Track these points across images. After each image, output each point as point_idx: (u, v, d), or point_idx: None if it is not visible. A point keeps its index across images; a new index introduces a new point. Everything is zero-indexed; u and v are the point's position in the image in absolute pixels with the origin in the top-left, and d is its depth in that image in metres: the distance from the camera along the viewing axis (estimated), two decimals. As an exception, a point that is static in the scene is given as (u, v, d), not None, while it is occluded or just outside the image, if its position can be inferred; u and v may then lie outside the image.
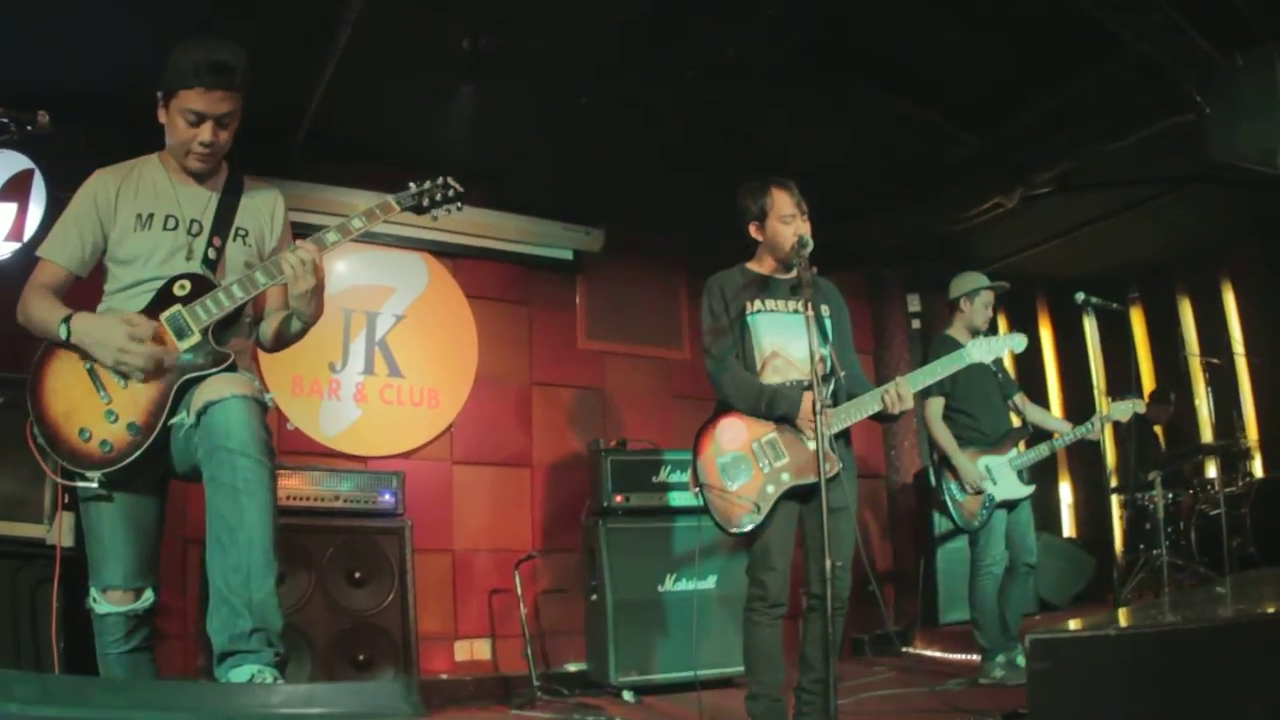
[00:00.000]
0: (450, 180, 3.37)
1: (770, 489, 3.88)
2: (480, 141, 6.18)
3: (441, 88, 5.61)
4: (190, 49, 2.92)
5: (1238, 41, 5.13)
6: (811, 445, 3.82)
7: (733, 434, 3.98)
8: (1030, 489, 5.64)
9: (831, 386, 3.99)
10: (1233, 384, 8.32)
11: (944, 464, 5.66)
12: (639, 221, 7.49)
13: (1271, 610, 2.49)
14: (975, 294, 5.78)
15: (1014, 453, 5.65)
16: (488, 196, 6.73)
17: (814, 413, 3.56)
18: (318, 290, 3.06)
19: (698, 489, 4.00)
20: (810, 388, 3.71)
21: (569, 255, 7.44)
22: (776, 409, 3.90)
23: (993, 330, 5.87)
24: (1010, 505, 5.61)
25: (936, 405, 5.68)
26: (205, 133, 3.01)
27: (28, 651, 4.02)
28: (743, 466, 3.92)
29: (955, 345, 5.57)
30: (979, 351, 4.34)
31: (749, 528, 3.88)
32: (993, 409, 5.76)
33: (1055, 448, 5.78)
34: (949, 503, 5.60)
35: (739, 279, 4.17)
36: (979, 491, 5.51)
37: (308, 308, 3.08)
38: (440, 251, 6.97)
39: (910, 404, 3.95)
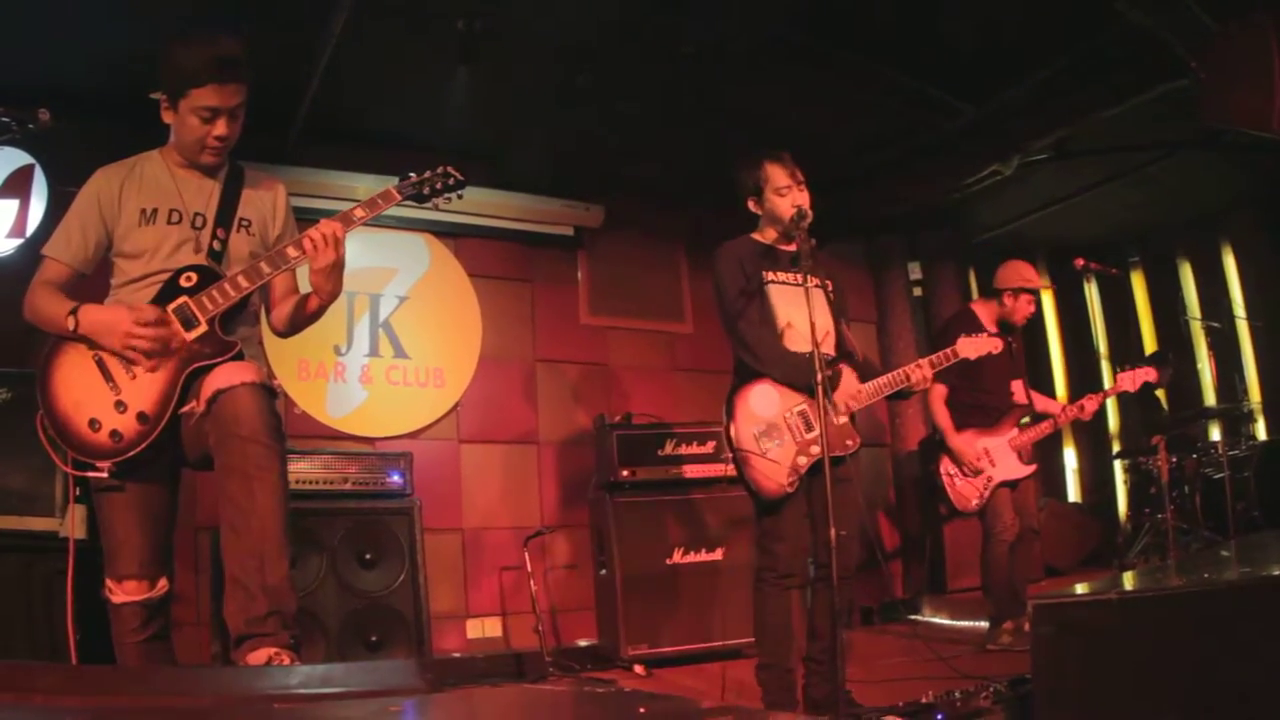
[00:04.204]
0: (450, 169, 3.37)
1: (803, 460, 3.91)
2: (478, 121, 6.18)
3: (438, 69, 5.60)
4: (193, 47, 2.93)
5: (1231, 7, 5.11)
6: (839, 420, 3.92)
7: (767, 401, 3.99)
8: (1031, 469, 5.65)
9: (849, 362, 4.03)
10: (1234, 347, 8.33)
11: (941, 447, 5.69)
12: (638, 196, 7.50)
13: (1276, 573, 2.51)
14: (1019, 293, 5.75)
15: (1013, 433, 5.66)
16: (487, 176, 6.73)
17: (819, 385, 3.58)
18: (338, 266, 3.07)
19: (731, 454, 4.01)
20: (828, 360, 3.87)
21: (570, 232, 7.42)
22: (810, 377, 3.90)
23: (1032, 323, 5.90)
24: (1012, 484, 5.64)
25: (935, 391, 5.65)
26: (220, 127, 3.04)
27: (44, 644, 4.05)
28: (776, 435, 3.94)
29: (974, 321, 5.59)
30: (966, 349, 4.29)
31: (777, 495, 3.90)
32: (999, 387, 5.75)
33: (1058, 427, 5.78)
34: (944, 487, 5.61)
35: (748, 247, 4.17)
36: (977, 473, 5.52)
37: (327, 283, 3.09)
38: (441, 232, 6.97)
39: (930, 381, 4.06)
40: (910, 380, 4.02)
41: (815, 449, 3.89)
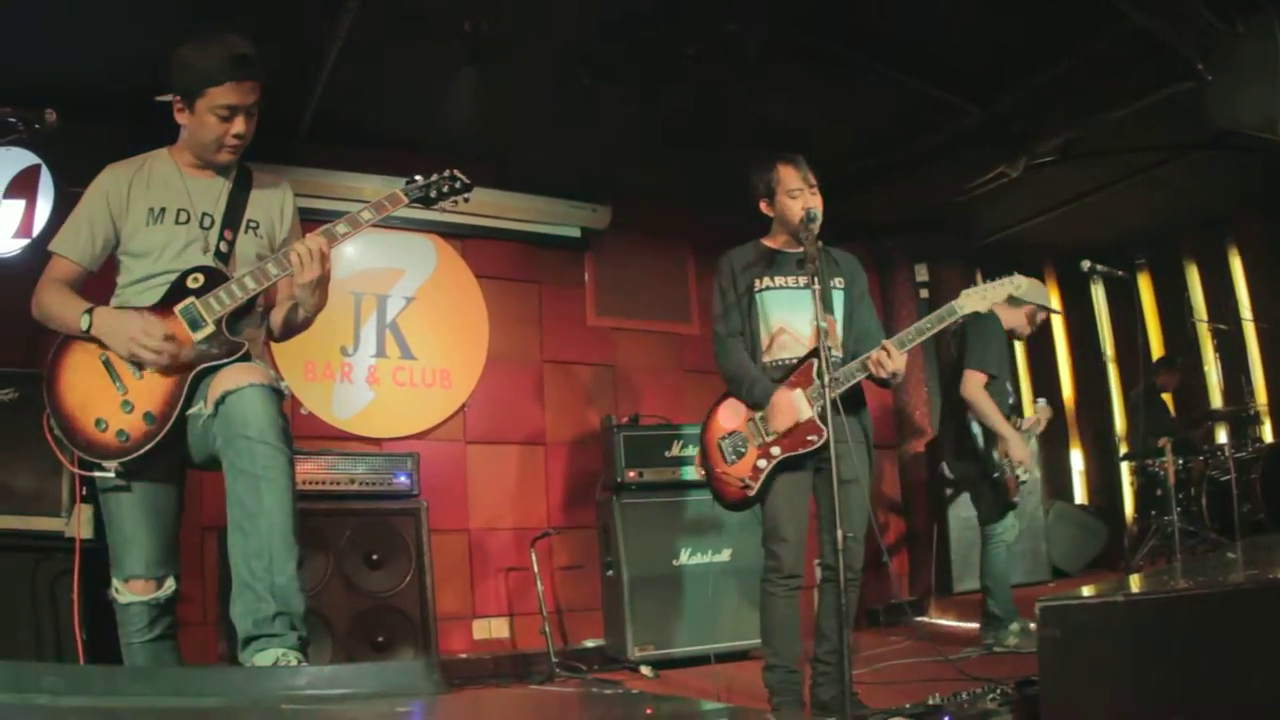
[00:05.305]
0: (457, 172, 3.39)
1: (762, 463, 3.96)
2: (485, 122, 6.18)
3: (445, 70, 5.61)
4: (207, 47, 2.95)
5: (1237, 8, 5.10)
6: (802, 417, 3.89)
7: (733, 412, 4.10)
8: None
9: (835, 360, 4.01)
10: (1241, 350, 8.30)
11: (990, 441, 5.54)
12: (645, 197, 7.50)
13: (1282, 575, 2.51)
14: (1039, 310, 5.79)
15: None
16: (494, 177, 6.73)
17: (824, 386, 3.58)
18: (322, 282, 3.07)
19: (702, 469, 4.15)
20: (797, 367, 3.95)
21: (577, 233, 7.42)
22: (753, 398, 4.00)
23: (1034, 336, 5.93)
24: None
25: (977, 379, 5.49)
26: (238, 125, 3.05)
27: (49, 644, 4.04)
28: (740, 443, 4.02)
29: (995, 323, 5.56)
30: (972, 300, 4.09)
31: (739, 503, 4.05)
32: (1014, 384, 5.78)
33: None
34: (1001, 482, 5.52)
35: (749, 254, 4.20)
36: (1025, 470, 5.47)
37: (311, 298, 3.10)
38: (449, 232, 6.97)
39: (900, 365, 3.87)
40: (868, 366, 3.87)
41: (777, 450, 3.93)
